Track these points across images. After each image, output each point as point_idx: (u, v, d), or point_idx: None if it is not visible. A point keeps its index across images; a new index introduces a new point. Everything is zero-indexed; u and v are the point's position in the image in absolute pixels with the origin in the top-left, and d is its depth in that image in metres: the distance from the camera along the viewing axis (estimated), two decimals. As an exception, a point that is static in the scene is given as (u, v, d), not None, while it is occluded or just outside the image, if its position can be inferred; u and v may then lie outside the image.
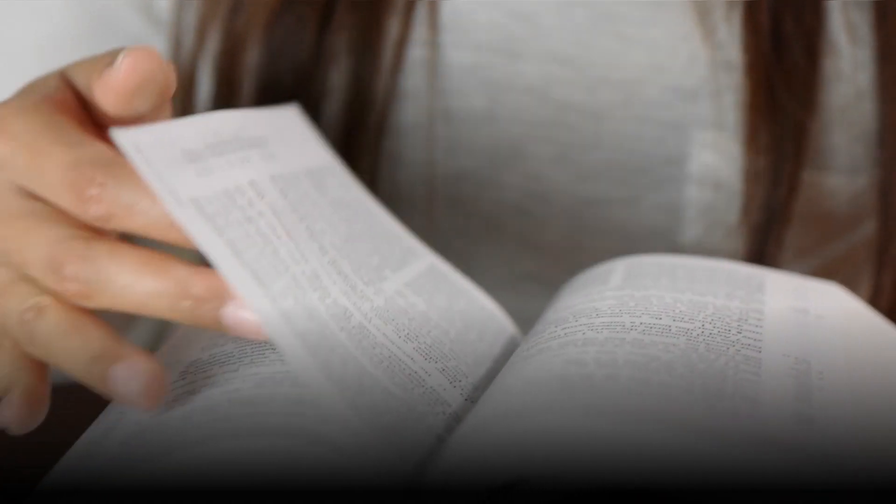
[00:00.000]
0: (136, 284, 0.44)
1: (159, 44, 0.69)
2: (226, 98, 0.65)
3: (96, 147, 0.45)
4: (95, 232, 0.45)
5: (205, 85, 0.66)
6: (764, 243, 0.62)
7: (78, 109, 0.48)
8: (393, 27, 0.64)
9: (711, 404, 0.43)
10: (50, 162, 0.45)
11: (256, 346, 0.49)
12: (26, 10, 0.69)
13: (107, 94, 0.46)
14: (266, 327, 0.43)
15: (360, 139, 0.64)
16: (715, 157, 0.63)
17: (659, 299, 0.50)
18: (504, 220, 0.66)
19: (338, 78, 0.64)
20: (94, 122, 0.49)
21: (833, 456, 0.41)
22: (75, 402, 0.49)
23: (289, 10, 0.63)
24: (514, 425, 0.42)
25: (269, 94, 0.64)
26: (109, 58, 0.47)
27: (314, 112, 0.64)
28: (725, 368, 0.45)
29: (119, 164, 0.45)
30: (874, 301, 0.62)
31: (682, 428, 0.41)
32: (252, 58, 0.64)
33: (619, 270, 0.55)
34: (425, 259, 0.56)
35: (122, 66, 0.46)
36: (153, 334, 0.76)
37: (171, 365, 0.49)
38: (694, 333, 0.47)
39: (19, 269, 0.46)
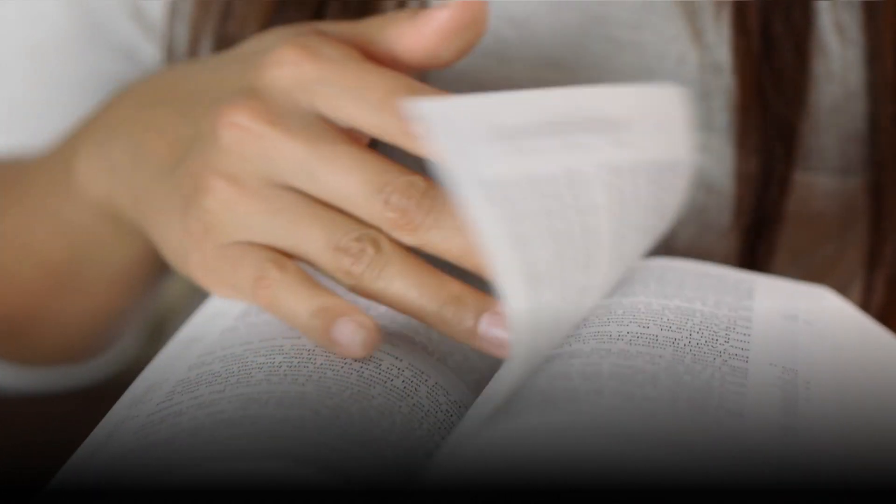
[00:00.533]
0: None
1: (150, 50, 0.69)
2: None
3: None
4: None
5: None
6: (756, 245, 0.62)
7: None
8: None
9: (696, 419, 0.43)
10: (374, 86, 0.46)
11: (243, 367, 0.49)
12: (18, 14, 0.69)
13: (422, 35, 0.47)
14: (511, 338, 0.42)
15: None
16: (705, 158, 0.63)
17: (647, 306, 0.50)
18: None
19: None
20: None
21: (817, 466, 0.41)
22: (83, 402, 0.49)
23: (280, 16, 0.63)
24: (498, 445, 0.42)
25: None
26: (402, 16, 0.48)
27: None
28: (711, 380, 0.45)
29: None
30: (866, 302, 0.62)
31: (665, 444, 0.41)
32: None
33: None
34: None
35: (455, 5, 0.46)
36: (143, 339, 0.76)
37: (159, 384, 0.49)
38: (681, 344, 0.47)
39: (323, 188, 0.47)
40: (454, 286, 0.48)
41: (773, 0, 0.60)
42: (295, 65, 0.49)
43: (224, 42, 0.64)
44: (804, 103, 0.61)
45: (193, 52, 0.65)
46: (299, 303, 0.48)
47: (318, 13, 0.63)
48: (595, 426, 0.42)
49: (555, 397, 0.44)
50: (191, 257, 0.51)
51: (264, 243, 0.50)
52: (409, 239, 0.48)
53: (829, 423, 0.44)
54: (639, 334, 0.48)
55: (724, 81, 0.62)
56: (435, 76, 0.64)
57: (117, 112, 0.60)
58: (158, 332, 0.77)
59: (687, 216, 0.64)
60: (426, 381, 0.50)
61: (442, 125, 0.42)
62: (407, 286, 0.48)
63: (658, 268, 0.55)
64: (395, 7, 0.63)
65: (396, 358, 0.50)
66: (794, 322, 0.51)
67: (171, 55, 0.67)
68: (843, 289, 0.64)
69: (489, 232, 0.41)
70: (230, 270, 0.50)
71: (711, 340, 0.48)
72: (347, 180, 0.48)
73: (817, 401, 0.45)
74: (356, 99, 0.47)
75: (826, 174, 0.64)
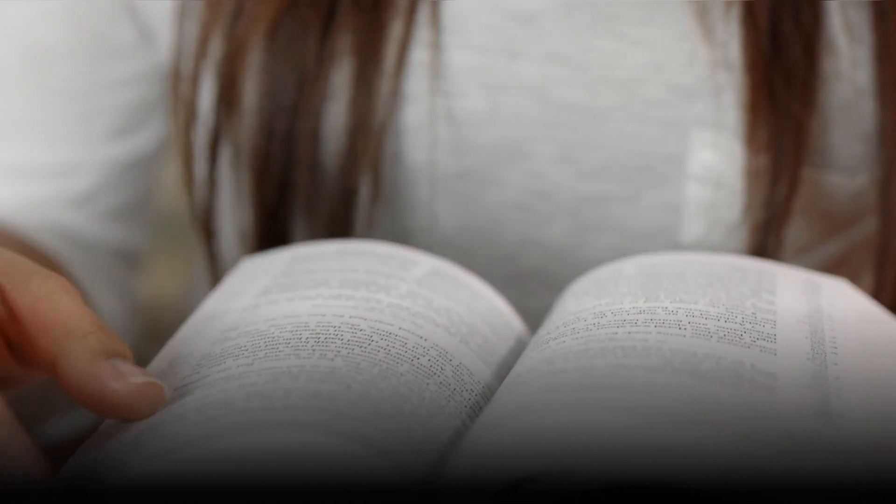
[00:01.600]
0: None
1: (151, 58, 0.68)
2: (228, 102, 0.65)
3: None
4: None
5: (206, 90, 0.66)
6: (765, 242, 0.62)
7: None
8: (395, 29, 0.64)
9: (730, 399, 0.43)
10: None
11: (270, 342, 0.48)
12: (17, 23, 0.68)
13: (86, 384, 0.44)
14: None
15: (363, 140, 0.64)
16: (715, 155, 0.63)
17: (672, 304, 0.50)
18: (506, 218, 0.66)
19: (340, 80, 0.63)
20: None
21: (852, 453, 0.41)
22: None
23: (291, 15, 0.63)
24: (530, 422, 0.42)
25: (271, 98, 0.64)
26: (107, 335, 0.45)
27: (317, 114, 0.64)
28: (743, 363, 0.45)
29: None
30: (875, 300, 0.62)
31: (700, 423, 0.41)
32: (254, 62, 0.64)
33: (630, 273, 0.55)
34: (426, 263, 0.57)
35: (133, 387, 0.44)
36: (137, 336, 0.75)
37: (184, 357, 0.49)
38: (710, 332, 0.47)
39: None
40: None
41: (783, 1, 0.61)
42: None
43: (233, 41, 0.64)
44: (813, 101, 0.62)
45: (203, 52, 0.65)
46: None
47: (331, 11, 0.63)
48: (629, 404, 0.42)
49: (588, 378, 0.44)
50: None
51: None
52: None
53: (862, 408, 0.44)
54: (663, 320, 0.48)
55: (735, 78, 0.62)
56: (446, 73, 0.64)
57: None
58: (155, 331, 0.76)
59: (696, 212, 0.64)
60: (451, 360, 0.50)
61: None
62: None
63: (679, 263, 0.55)
64: (406, 10, 0.63)
65: (421, 337, 0.50)
66: (818, 312, 0.51)
67: (180, 56, 0.66)
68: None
69: None
70: None
71: (739, 330, 0.48)
72: None
73: (847, 388, 0.45)
74: None
75: (834, 172, 0.64)
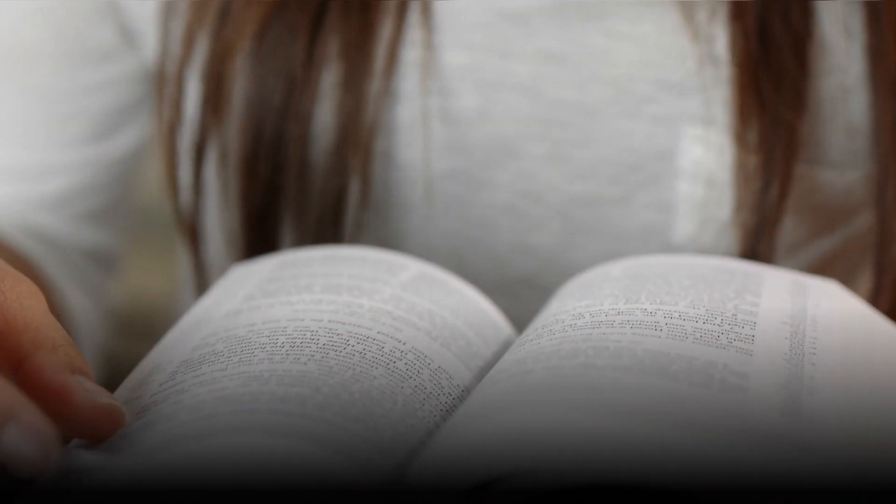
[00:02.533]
0: None
1: (131, 60, 0.68)
2: (215, 105, 0.65)
3: None
4: None
5: (192, 92, 0.66)
6: (756, 244, 0.62)
7: None
8: (385, 30, 0.63)
9: (697, 398, 0.42)
10: None
11: (246, 347, 0.48)
12: None
13: (51, 394, 0.44)
14: None
15: (353, 140, 0.64)
16: (704, 151, 0.62)
17: (652, 306, 0.50)
18: (497, 221, 0.66)
19: (330, 82, 0.63)
20: None
21: (821, 451, 0.41)
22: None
23: (279, 18, 0.63)
24: (495, 422, 0.42)
25: (259, 101, 0.64)
26: (76, 352, 0.45)
27: (306, 116, 0.63)
28: (715, 363, 0.45)
29: None
30: (874, 303, 0.61)
31: (666, 422, 0.41)
32: (241, 65, 0.64)
33: (615, 275, 0.54)
34: (414, 268, 0.57)
35: (97, 405, 0.44)
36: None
37: (162, 365, 0.49)
38: (686, 333, 0.47)
39: None
40: None
41: (772, 1, 0.60)
42: None
43: (220, 43, 0.64)
44: (804, 102, 0.61)
45: (188, 54, 0.65)
46: None
47: (319, 14, 0.63)
48: (597, 404, 0.42)
49: (557, 378, 0.44)
50: None
51: None
52: None
53: (835, 408, 0.44)
54: (640, 321, 0.48)
55: (724, 74, 0.61)
56: (437, 72, 0.64)
57: None
58: (146, 332, 0.76)
59: (687, 210, 0.63)
60: (429, 364, 0.49)
61: None
62: None
63: (665, 265, 0.55)
64: (397, 10, 0.63)
65: (399, 341, 0.50)
66: (802, 314, 0.51)
67: (165, 58, 0.66)
68: (846, 282, 0.63)
69: None
70: None
71: (715, 332, 0.47)
72: None
73: (822, 390, 0.45)
74: None
75: (826, 167, 0.63)
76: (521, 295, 0.66)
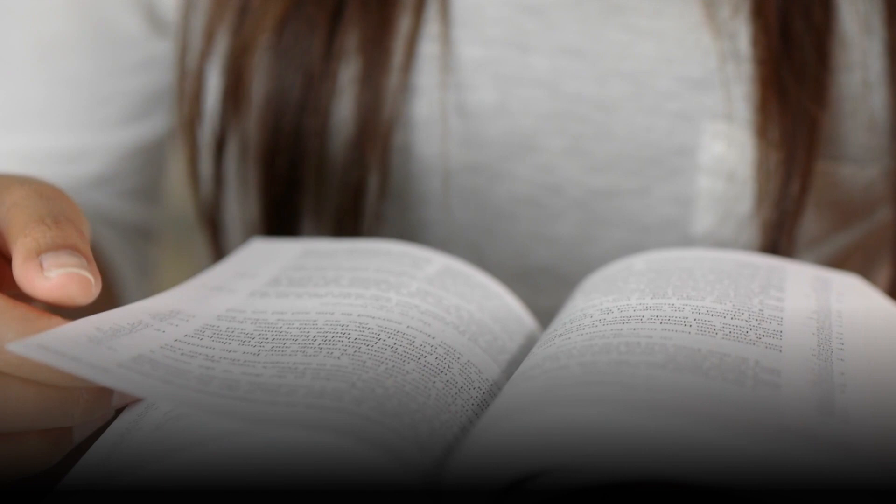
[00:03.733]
0: None
1: (160, 47, 0.69)
2: (234, 99, 0.65)
3: None
4: None
5: (213, 87, 0.66)
6: (777, 238, 0.62)
7: None
8: (403, 24, 0.64)
9: (733, 395, 0.43)
10: None
11: (277, 335, 0.49)
12: (25, 13, 0.69)
13: (27, 286, 0.46)
14: None
15: (372, 134, 0.64)
16: (726, 147, 0.63)
17: (679, 301, 0.50)
18: (516, 212, 0.66)
19: (348, 76, 0.64)
20: None
21: (855, 448, 0.41)
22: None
23: (298, 13, 0.63)
24: (532, 418, 0.42)
25: (278, 95, 0.64)
26: (48, 233, 0.47)
27: (325, 110, 0.64)
28: (747, 360, 0.45)
29: None
30: (892, 295, 0.62)
31: (702, 419, 0.41)
32: (261, 59, 0.64)
33: (639, 269, 0.55)
34: (438, 262, 0.57)
35: (52, 281, 0.46)
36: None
37: (183, 313, 0.50)
38: (716, 329, 0.47)
39: None
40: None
41: None
42: None
43: (240, 39, 0.64)
44: (825, 97, 0.62)
45: (208, 49, 0.66)
46: None
47: (338, 8, 0.63)
48: (633, 400, 0.42)
49: (592, 374, 0.44)
50: None
51: None
52: None
53: (866, 405, 0.44)
54: (669, 317, 0.48)
55: (745, 70, 0.62)
56: (456, 66, 0.64)
57: None
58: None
59: (707, 204, 0.64)
60: (458, 358, 0.50)
61: (49, 356, 0.43)
62: None
63: (689, 259, 0.55)
64: (415, 5, 0.63)
65: (429, 335, 0.50)
66: (827, 308, 0.51)
67: (185, 52, 0.67)
68: (863, 275, 0.64)
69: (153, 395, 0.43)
70: None
71: (744, 328, 0.48)
72: None
73: (852, 385, 0.45)
74: None
75: (846, 163, 0.64)
76: (541, 285, 0.67)
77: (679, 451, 0.40)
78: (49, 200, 0.49)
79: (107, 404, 0.46)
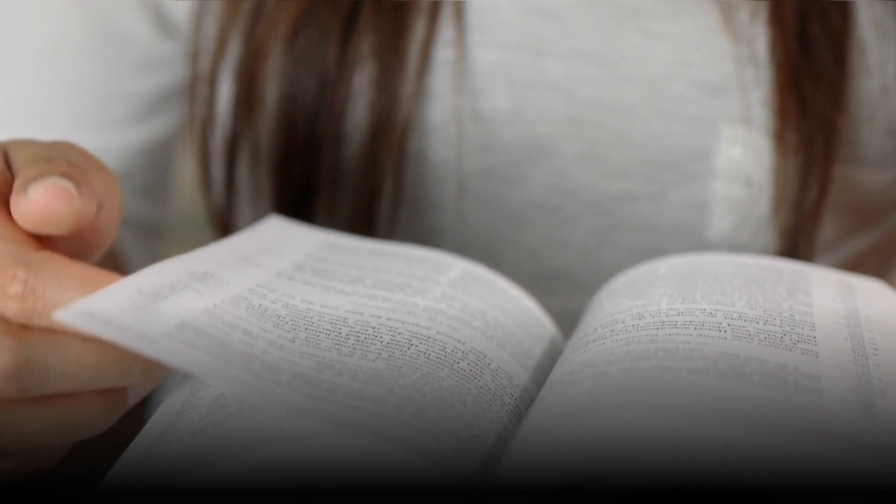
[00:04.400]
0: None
1: (168, 48, 0.69)
2: (247, 104, 0.65)
3: (18, 242, 0.45)
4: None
5: (225, 92, 0.66)
6: (795, 242, 0.62)
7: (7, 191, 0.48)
8: (418, 29, 0.63)
9: (777, 401, 0.43)
10: None
11: (310, 326, 0.49)
12: (32, 14, 0.68)
13: (17, 216, 0.46)
14: None
15: (386, 139, 0.64)
16: (743, 151, 0.63)
17: (710, 306, 0.50)
18: (531, 217, 0.66)
19: (363, 81, 0.63)
20: None
21: None
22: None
23: (312, 17, 0.63)
24: (579, 424, 0.42)
25: (292, 101, 0.64)
26: (38, 167, 0.47)
27: (339, 116, 0.64)
28: (786, 366, 0.45)
29: (43, 261, 0.44)
30: None
31: (749, 426, 0.41)
32: (274, 64, 0.64)
33: (666, 274, 0.55)
34: (458, 266, 0.57)
35: (32, 199, 0.46)
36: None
37: (208, 275, 0.49)
38: (751, 332, 0.48)
39: None
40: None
41: (810, 1, 0.61)
42: None
43: (253, 44, 0.64)
44: (843, 101, 0.62)
45: (220, 54, 0.65)
46: None
47: (353, 13, 0.63)
48: (676, 406, 0.42)
49: (636, 381, 0.44)
50: None
51: None
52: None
53: None
54: (703, 322, 0.48)
55: (762, 74, 0.62)
56: (470, 71, 0.64)
57: None
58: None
59: (724, 208, 0.64)
60: (489, 364, 0.50)
61: (95, 324, 0.43)
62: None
63: (714, 263, 0.55)
64: (430, 9, 0.63)
65: (459, 341, 0.50)
66: (855, 313, 0.51)
67: (197, 56, 0.66)
68: (879, 277, 0.64)
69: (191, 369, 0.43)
70: None
71: (779, 332, 0.48)
72: None
73: (892, 397, 0.45)
74: None
75: (863, 167, 0.64)
76: (554, 289, 0.67)
77: (728, 457, 0.40)
78: (55, 148, 0.48)
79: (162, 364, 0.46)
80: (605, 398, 0.43)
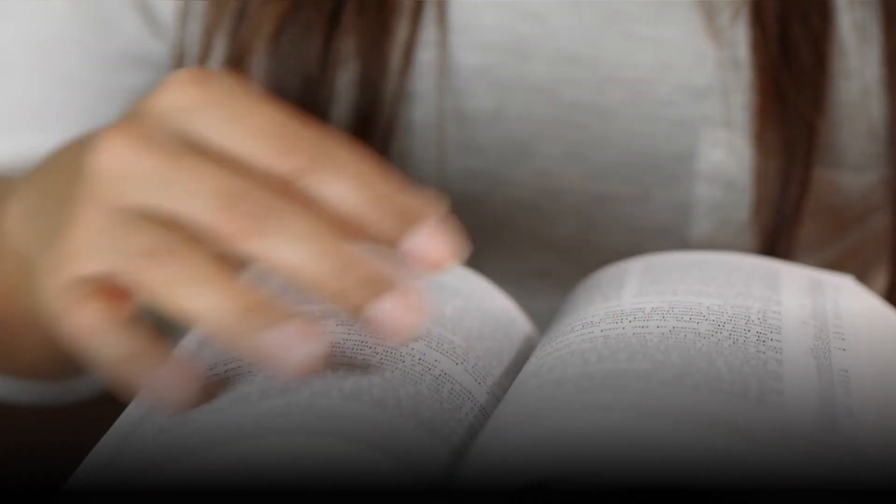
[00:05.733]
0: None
1: (157, 48, 0.69)
2: None
3: None
4: None
5: None
6: (775, 245, 0.63)
7: None
8: (401, 30, 0.64)
9: (736, 400, 0.43)
10: (255, 113, 0.44)
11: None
12: (25, 11, 0.69)
13: None
14: None
15: (369, 140, 0.64)
16: (724, 154, 0.63)
17: (678, 301, 0.50)
18: (514, 217, 0.66)
19: (345, 81, 0.64)
20: None
21: (859, 455, 0.41)
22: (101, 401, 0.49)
23: (296, 17, 0.63)
24: (537, 425, 0.42)
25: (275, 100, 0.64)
26: None
27: (322, 116, 0.64)
28: (748, 363, 0.45)
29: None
30: (889, 300, 0.62)
31: (707, 425, 0.41)
32: (258, 64, 0.64)
33: (634, 274, 0.55)
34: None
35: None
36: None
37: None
38: (713, 335, 0.48)
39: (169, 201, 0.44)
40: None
41: (792, 2, 0.61)
42: (180, 89, 0.47)
43: (238, 43, 0.64)
44: (824, 103, 0.62)
45: (206, 54, 0.65)
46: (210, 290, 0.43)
47: (335, 14, 0.63)
48: (636, 406, 0.42)
49: (592, 380, 0.44)
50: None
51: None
52: (249, 246, 0.44)
53: (870, 411, 0.44)
54: (672, 328, 0.49)
55: (744, 78, 0.62)
56: (453, 72, 0.64)
57: (49, 155, 0.59)
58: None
59: (706, 211, 0.64)
60: (464, 364, 0.50)
61: None
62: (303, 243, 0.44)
63: (684, 262, 0.55)
64: (412, 11, 0.63)
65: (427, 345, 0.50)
66: (823, 311, 0.51)
67: (182, 57, 0.67)
68: (860, 281, 0.64)
69: None
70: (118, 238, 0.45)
71: (744, 329, 0.48)
72: (197, 188, 0.44)
73: (856, 389, 0.45)
74: (231, 125, 0.45)
75: (844, 170, 0.64)
76: (538, 289, 0.67)
77: (687, 456, 0.40)
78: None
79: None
80: (560, 399, 0.43)
